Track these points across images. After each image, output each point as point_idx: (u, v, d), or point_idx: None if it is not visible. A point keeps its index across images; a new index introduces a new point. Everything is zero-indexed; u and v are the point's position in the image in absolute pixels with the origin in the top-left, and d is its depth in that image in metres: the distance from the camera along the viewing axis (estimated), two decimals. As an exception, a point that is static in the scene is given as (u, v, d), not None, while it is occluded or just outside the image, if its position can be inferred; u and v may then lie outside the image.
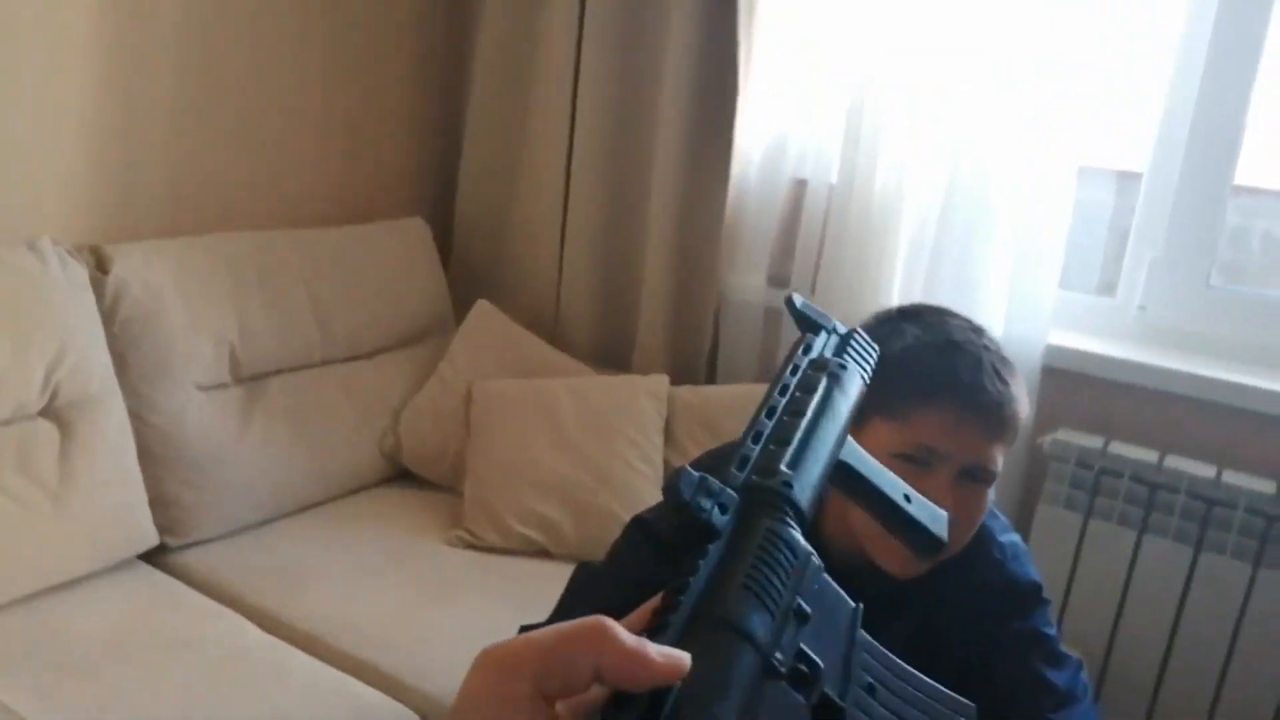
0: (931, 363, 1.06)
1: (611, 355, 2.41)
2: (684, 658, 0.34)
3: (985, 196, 1.95)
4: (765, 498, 0.43)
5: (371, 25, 2.39)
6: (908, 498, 0.56)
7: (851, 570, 0.69)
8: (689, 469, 0.41)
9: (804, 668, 0.39)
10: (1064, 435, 1.93)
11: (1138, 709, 1.89)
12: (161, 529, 1.88)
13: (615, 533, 1.27)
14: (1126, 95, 1.96)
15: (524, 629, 1.26)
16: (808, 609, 0.40)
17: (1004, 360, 1.08)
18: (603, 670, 0.34)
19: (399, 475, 2.27)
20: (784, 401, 0.50)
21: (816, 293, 2.15)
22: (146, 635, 1.65)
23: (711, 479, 0.41)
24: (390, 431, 2.24)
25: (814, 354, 0.55)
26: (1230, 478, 1.80)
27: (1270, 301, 1.95)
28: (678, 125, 2.21)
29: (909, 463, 1.05)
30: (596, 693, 0.35)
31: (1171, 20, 1.91)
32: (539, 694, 0.34)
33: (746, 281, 2.28)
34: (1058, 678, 1.11)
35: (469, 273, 2.54)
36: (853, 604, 0.45)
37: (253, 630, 1.70)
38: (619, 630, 0.34)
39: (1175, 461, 1.85)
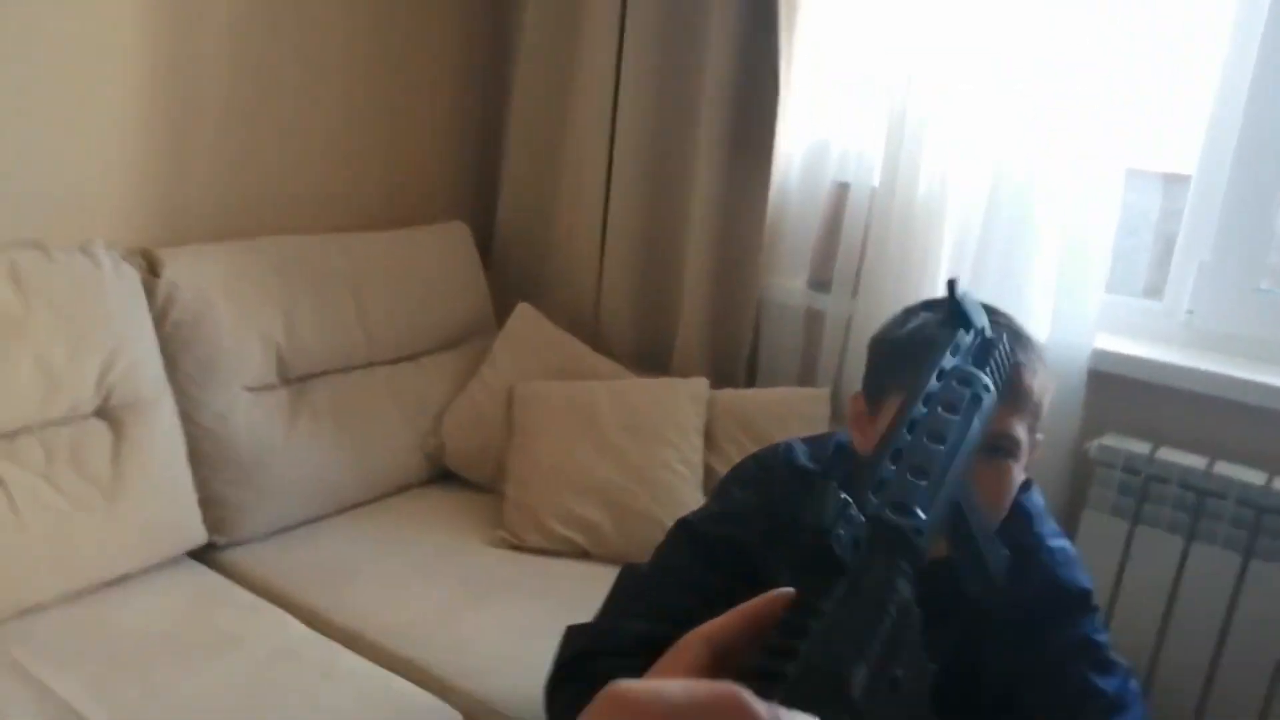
0: (937, 334, 1.07)
1: (651, 358, 2.41)
2: None
3: (1030, 200, 1.94)
4: (895, 542, 0.41)
5: (415, 33, 2.42)
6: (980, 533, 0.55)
7: None
8: (834, 486, 0.39)
9: None
10: (1111, 440, 1.90)
11: (1184, 716, 1.86)
12: (210, 527, 1.91)
13: (656, 535, 1.27)
14: (1174, 97, 1.94)
15: (570, 630, 1.26)
16: (901, 680, 0.39)
17: (1018, 334, 1.08)
18: None
19: (441, 476, 2.29)
20: (926, 416, 0.47)
21: (858, 296, 2.14)
22: (195, 631, 1.68)
23: (853, 508, 0.40)
24: (433, 433, 2.26)
25: (959, 359, 0.52)
26: (1280, 484, 1.78)
27: (1322, 306, 1.92)
28: (719, 128, 2.21)
29: None
30: None
31: (1221, 21, 1.89)
32: None
33: (787, 285, 2.28)
34: (1107, 685, 1.09)
35: (510, 276, 2.56)
36: (931, 665, 0.43)
37: (298, 627, 1.73)
38: (755, 703, 0.33)
39: (1224, 467, 1.82)
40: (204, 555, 1.91)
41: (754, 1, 2.15)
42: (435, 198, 2.57)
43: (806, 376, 2.28)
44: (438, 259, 2.36)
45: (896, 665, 0.38)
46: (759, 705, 0.33)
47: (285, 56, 2.18)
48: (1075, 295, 1.93)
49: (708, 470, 2.10)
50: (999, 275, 1.98)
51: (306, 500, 2.04)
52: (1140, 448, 1.88)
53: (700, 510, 1.25)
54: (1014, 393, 1.04)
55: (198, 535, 1.88)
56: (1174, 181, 2.14)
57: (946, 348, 0.52)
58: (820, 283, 2.26)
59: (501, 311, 2.44)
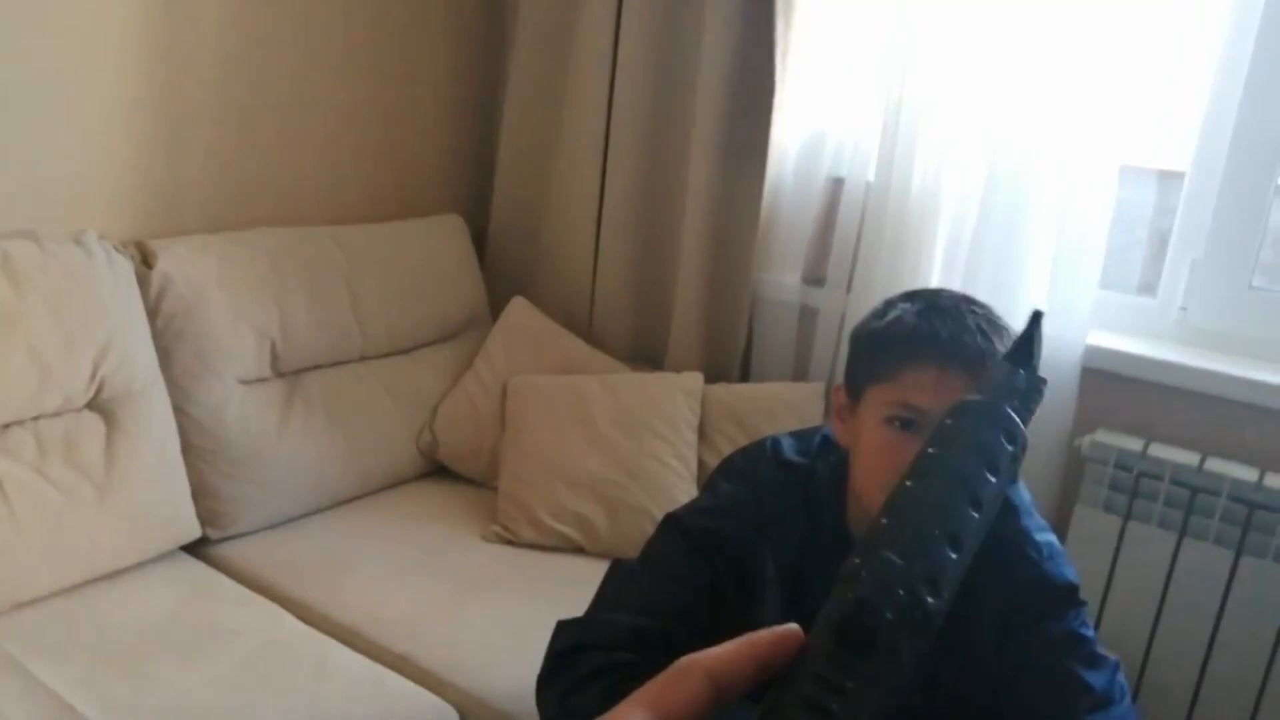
0: (914, 324, 1.10)
1: (646, 352, 2.42)
2: None
3: (1024, 196, 1.94)
4: (923, 625, 0.39)
5: (411, 25, 2.42)
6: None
7: None
8: (889, 558, 0.38)
9: None
10: (1103, 437, 1.91)
11: (1176, 713, 1.87)
12: (203, 521, 1.91)
13: (649, 529, 1.28)
14: (1169, 94, 1.94)
15: (561, 624, 1.27)
16: None
17: (994, 323, 1.10)
18: None
19: (435, 470, 2.29)
20: (970, 472, 0.43)
21: (852, 292, 2.14)
22: (188, 625, 1.68)
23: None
24: (427, 427, 2.26)
25: (1011, 404, 0.48)
26: (1272, 481, 1.78)
27: (1315, 303, 1.92)
28: (714, 123, 2.21)
29: (901, 427, 1.08)
30: None
31: (1216, 19, 1.89)
32: None
33: (781, 280, 2.28)
34: (1095, 679, 1.10)
35: (505, 270, 2.56)
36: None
37: (291, 621, 1.73)
38: None
39: (1216, 464, 1.82)
40: (197, 549, 1.91)
41: (750, -4, 2.15)
42: (430, 190, 2.57)
43: (800, 371, 2.28)
44: (432, 252, 2.36)
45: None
46: None
47: (281, 48, 2.18)
48: (1069, 291, 1.93)
49: (701, 465, 2.10)
50: (993, 270, 1.98)
51: (300, 494, 2.04)
52: (1132, 444, 1.88)
53: (689, 505, 1.25)
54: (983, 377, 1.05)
55: (191, 529, 1.88)
56: (1168, 178, 2.14)
57: (1007, 388, 0.47)
58: (814, 278, 2.26)
59: (496, 305, 2.44)
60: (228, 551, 1.93)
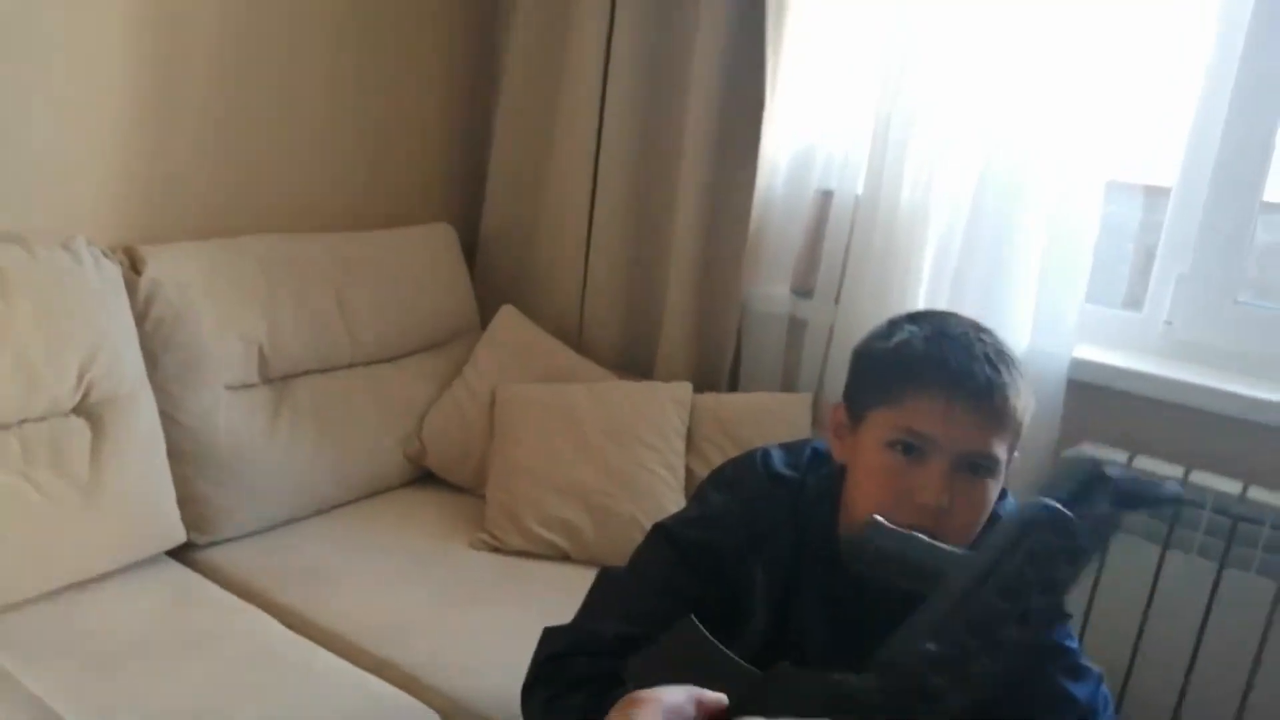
0: (922, 350, 1.08)
1: (635, 362, 2.42)
2: None
3: (1012, 210, 1.95)
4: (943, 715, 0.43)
5: (401, 32, 2.42)
6: None
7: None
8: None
9: None
10: (1088, 449, 1.92)
11: (1159, 726, 1.88)
12: (189, 526, 1.90)
13: (637, 537, 1.28)
14: (1155, 110, 1.95)
15: (547, 631, 1.27)
16: None
17: (1002, 353, 1.09)
18: None
19: (423, 478, 2.29)
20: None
21: (840, 304, 2.15)
22: (173, 630, 1.67)
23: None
24: (415, 434, 2.25)
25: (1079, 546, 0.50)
26: (1257, 494, 1.79)
27: (1299, 318, 1.94)
28: (704, 135, 2.22)
29: (904, 451, 1.06)
30: None
31: (1202, 35, 1.90)
32: None
33: (770, 292, 2.29)
34: (1078, 690, 1.10)
35: (494, 278, 2.56)
36: None
37: (277, 627, 1.72)
38: None
39: (1201, 477, 1.83)
40: (183, 554, 1.90)
41: (741, 7, 2.16)
42: (420, 199, 2.57)
43: (789, 382, 2.29)
44: (422, 260, 2.36)
45: None
46: None
47: (271, 55, 2.18)
48: (1055, 305, 1.95)
49: (689, 474, 2.10)
50: (980, 283, 1.99)
51: (287, 500, 2.04)
52: (1117, 457, 1.89)
53: (677, 515, 1.25)
54: (991, 409, 1.05)
55: (176, 534, 1.88)
56: (1155, 194, 2.15)
57: (1086, 550, 0.51)
58: (803, 290, 2.27)
59: (485, 314, 2.44)
60: (214, 557, 1.92)
